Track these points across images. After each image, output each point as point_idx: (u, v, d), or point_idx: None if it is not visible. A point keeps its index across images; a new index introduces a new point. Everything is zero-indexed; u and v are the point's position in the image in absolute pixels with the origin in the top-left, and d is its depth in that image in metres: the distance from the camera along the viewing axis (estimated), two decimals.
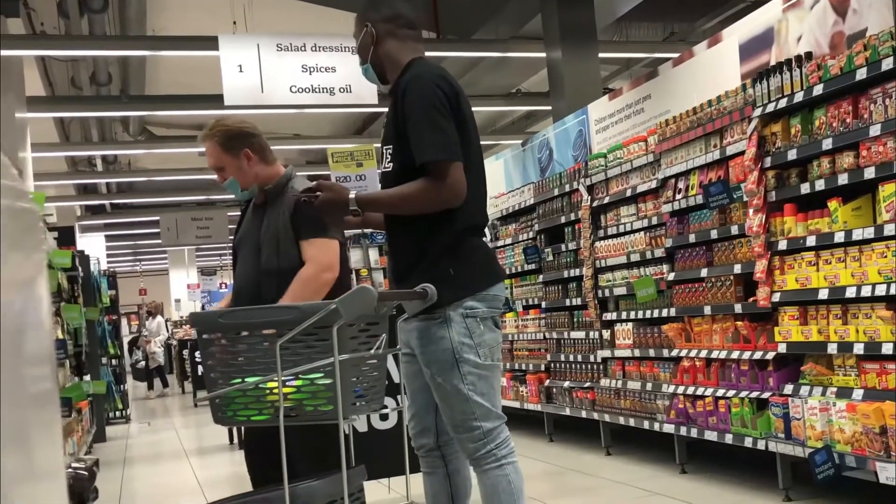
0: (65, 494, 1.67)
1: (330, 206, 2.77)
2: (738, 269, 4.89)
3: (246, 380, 2.37)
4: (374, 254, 10.32)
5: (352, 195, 2.74)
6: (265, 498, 2.36)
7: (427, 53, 3.00)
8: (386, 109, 2.99)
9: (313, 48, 8.36)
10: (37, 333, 1.31)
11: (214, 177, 3.50)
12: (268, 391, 2.34)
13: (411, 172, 2.73)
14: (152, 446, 9.62)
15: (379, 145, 3.03)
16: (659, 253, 5.69)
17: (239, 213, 3.61)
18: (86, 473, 2.96)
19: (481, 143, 2.97)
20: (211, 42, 8.44)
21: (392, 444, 4.38)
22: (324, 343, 2.24)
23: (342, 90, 8.38)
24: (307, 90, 8.30)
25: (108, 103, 12.46)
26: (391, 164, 2.84)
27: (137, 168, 18.25)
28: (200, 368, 13.36)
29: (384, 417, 4.53)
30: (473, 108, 2.94)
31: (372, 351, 2.41)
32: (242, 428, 8.42)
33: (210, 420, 2.57)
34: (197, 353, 13.29)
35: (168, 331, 19.86)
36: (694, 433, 5.15)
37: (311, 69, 8.33)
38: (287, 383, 2.30)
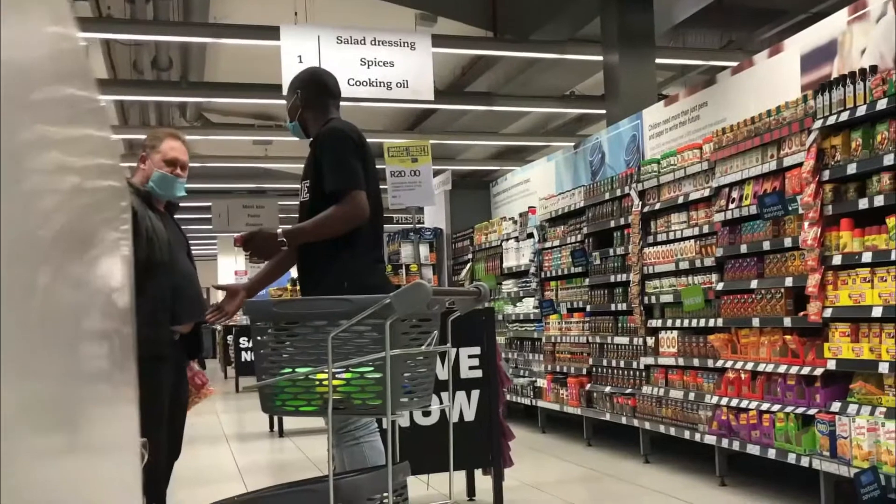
0: (137, 469, 1.69)
1: (265, 248, 3.37)
2: (789, 282, 4.83)
3: (296, 370, 2.41)
4: (424, 249, 10.36)
5: (279, 230, 3.32)
6: (310, 489, 2.39)
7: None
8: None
9: (373, 42, 8.41)
10: (108, 308, 1.33)
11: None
12: (317, 382, 2.37)
13: (323, 202, 3.32)
14: (193, 429, 9.72)
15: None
16: (708, 262, 5.64)
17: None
18: None
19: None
20: (272, 32, 8.54)
21: (433, 440, 4.40)
22: (375, 337, 2.27)
23: (399, 85, 8.43)
24: (365, 83, 8.36)
25: (167, 88, 12.65)
26: (307, 195, 3.46)
27: (192, 154, 18.45)
28: (244, 354, 13.60)
29: (426, 414, 4.55)
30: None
31: (423, 347, 2.43)
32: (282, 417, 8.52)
33: (251, 406, 2.61)
34: (241, 339, 13.45)
35: None
36: (736, 446, 5.10)
37: (370, 63, 8.39)
38: (337, 376, 2.33)
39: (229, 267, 26.27)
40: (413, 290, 2.22)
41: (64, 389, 0.81)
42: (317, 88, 3.63)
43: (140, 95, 13.17)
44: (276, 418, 8.74)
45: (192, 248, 3.94)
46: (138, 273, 3.50)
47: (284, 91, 8.32)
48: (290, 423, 8.84)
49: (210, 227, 18.73)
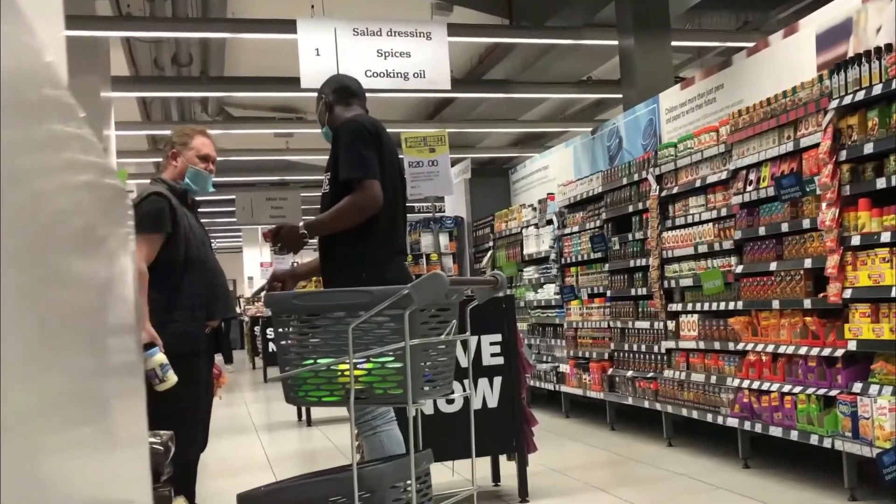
0: (146, 464, 1.74)
1: (290, 241, 3.41)
2: (808, 263, 4.84)
3: (318, 361, 2.47)
4: (444, 239, 10.41)
5: (301, 224, 3.45)
6: (335, 479, 2.46)
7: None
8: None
9: (389, 33, 8.45)
10: (120, 306, 1.38)
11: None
12: (339, 373, 2.43)
13: (342, 193, 3.42)
14: (222, 420, 9.87)
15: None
16: (727, 245, 5.66)
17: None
18: (161, 448, 2.90)
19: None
20: (289, 25, 8.60)
21: (457, 427, 4.46)
22: (395, 327, 2.33)
23: (416, 75, 8.46)
24: (382, 75, 8.40)
25: (188, 84, 12.76)
26: (328, 187, 3.56)
27: (216, 148, 18.58)
28: (271, 345, 13.74)
29: (450, 401, 4.61)
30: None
31: (442, 336, 2.48)
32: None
33: (279, 396, 2.69)
34: (268, 331, 13.59)
35: (240, 307, 20.20)
36: (758, 428, 5.13)
37: (386, 54, 8.42)
38: (358, 366, 2.39)
39: (254, 259, 26.45)
40: (431, 281, 2.27)
41: (63, 386, 0.81)
42: (337, 91, 3.77)
43: (162, 92, 13.30)
44: (303, 408, 8.84)
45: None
46: (176, 270, 3.63)
47: (303, 84, 8.45)
48: (317, 412, 8.95)
49: (234, 219, 18.87)
